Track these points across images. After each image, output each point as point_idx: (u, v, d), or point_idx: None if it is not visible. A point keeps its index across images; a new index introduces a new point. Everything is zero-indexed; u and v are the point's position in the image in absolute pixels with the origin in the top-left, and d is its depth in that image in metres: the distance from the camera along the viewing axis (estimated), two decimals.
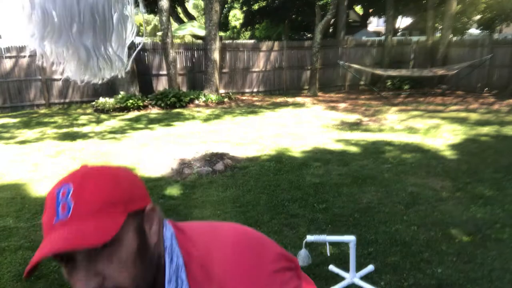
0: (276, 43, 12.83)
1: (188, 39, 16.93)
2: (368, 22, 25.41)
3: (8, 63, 10.06)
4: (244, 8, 22.42)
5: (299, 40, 18.30)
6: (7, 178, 4.78)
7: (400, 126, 7.45)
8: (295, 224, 3.35)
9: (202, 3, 29.93)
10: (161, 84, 11.45)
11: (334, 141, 6.30)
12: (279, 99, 11.78)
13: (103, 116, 9.22)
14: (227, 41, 13.94)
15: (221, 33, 19.20)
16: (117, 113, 9.48)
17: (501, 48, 11.72)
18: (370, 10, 22.34)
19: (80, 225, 0.56)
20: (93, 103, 10.14)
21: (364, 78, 13.49)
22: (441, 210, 3.60)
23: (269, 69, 12.74)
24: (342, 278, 2.51)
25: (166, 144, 6.25)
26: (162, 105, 9.97)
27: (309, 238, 2.37)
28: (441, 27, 14.21)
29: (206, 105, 10.50)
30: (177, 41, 13.39)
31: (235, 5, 24.93)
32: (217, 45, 11.03)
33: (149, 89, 11.14)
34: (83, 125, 8.16)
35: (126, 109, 9.68)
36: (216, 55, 11.08)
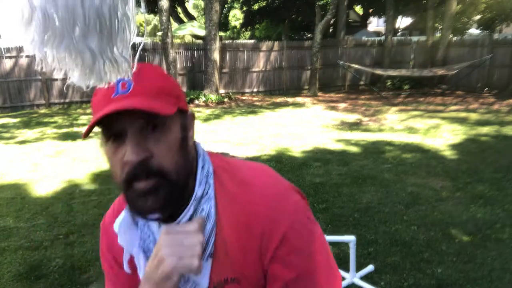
0: (276, 43, 12.83)
1: (188, 39, 16.93)
2: (368, 22, 25.41)
3: (8, 63, 10.06)
4: (244, 8, 22.42)
5: (299, 40, 18.31)
6: (7, 178, 4.78)
7: (400, 126, 7.45)
8: None
9: (202, 3, 29.95)
10: None
11: (334, 141, 6.30)
12: (279, 99, 11.78)
13: None
14: (227, 41, 13.94)
15: (221, 33, 19.22)
16: None
17: (501, 48, 11.71)
18: (370, 10, 22.35)
19: (142, 98, 0.59)
20: None
21: (364, 78, 13.49)
22: (441, 210, 3.60)
23: (269, 69, 12.74)
24: (342, 278, 2.51)
25: None
26: None
27: None
28: (441, 27, 14.21)
29: (206, 105, 10.50)
30: (177, 41, 13.39)
31: (235, 5, 24.93)
32: (217, 45, 11.03)
33: None
34: (83, 125, 8.16)
35: None
36: (216, 55, 11.08)
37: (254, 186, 0.68)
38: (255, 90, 12.72)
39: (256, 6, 21.10)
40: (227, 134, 6.95)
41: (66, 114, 9.67)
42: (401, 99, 11.07)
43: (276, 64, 12.79)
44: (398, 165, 4.93)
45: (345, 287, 2.45)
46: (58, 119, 8.91)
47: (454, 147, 5.80)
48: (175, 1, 16.78)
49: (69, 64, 0.58)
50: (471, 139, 6.27)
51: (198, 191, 0.67)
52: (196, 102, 10.55)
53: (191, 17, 17.86)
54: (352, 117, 8.60)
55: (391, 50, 13.77)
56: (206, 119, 8.58)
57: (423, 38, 14.48)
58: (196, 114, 9.13)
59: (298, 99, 11.69)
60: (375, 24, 30.54)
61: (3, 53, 9.90)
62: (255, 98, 12.00)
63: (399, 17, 21.74)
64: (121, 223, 0.70)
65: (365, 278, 2.50)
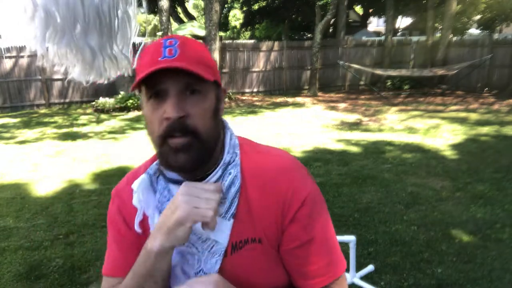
0: (276, 43, 12.83)
1: None
2: (368, 22, 25.40)
3: (8, 63, 10.06)
4: (244, 8, 22.41)
5: (299, 40, 18.30)
6: (7, 178, 4.78)
7: (400, 126, 7.45)
8: None
9: (202, 3, 29.94)
10: None
11: (334, 141, 6.30)
12: (279, 99, 11.78)
13: (103, 116, 9.22)
14: (227, 41, 13.93)
15: (221, 33, 19.21)
16: (117, 113, 9.48)
17: (501, 48, 11.71)
18: (370, 10, 22.34)
19: (187, 63, 0.65)
20: (93, 103, 10.14)
21: (364, 78, 13.49)
22: (441, 210, 3.60)
23: (269, 69, 12.73)
24: None
25: None
26: None
27: None
28: (441, 27, 14.21)
29: None
30: None
31: (235, 5, 24.92)
32: (217, 45, 11.03)
33: None
34: (83, 125, 8.16)
35: (126, 109, 9.68)
36: (216, 55, 11.07)
37: (276, 157, 0.77)
38: (255, 90, 12.72)
39: (256, 6, 21.09)
40: None
41: (66, 114, 9.67)
42: (401, 99, 11.07)
43: (276, 64, 12.79)
44: (398, 165, 4.93)
45: None
46: (58, 119, 8.91)
47: (454, 147, 5.80)
48: (175, 1, 16.78)
49: (70, 60, 0.58)
50: (471, 139, 6.27)
51: (226, 157, 0.74)
52: None
53: (191, 17, 17.86)
54: (352, 117, 8.60)
55: (391, 50, 13.77)
56: None
57: (423, 38, 14.48)
58: None
59: (298, 99, 11.69)
60: (375, 24, 30.53)
61: (3, 53, 9.89)
62: (255, 98, 11.99)
63: (399, 17, 21.74)
64: (140, 183, 0.75)
65: (365, 278, 2.50)
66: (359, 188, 4.16)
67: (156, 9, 12.81)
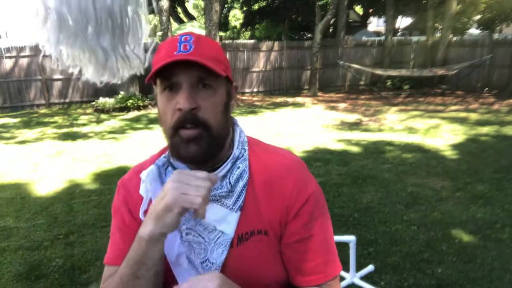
0: (276, 43, 12.83)
1: None
2: (368, 22, 25.40)
3: (8, 63, 10.06)
4: (244, 8, 22.41)
5: (299, 40, 18.30)
6: (7, 178, 4.78)
7: (400, 126, 7.46)
8: None
9: (202, 3, 29.94)
10: None
11: (334, 141, 6.30)
12: (279, 99, 11.78)
13: (103, 116, 9.22)
14: (227, 41, 13.94)
15: (221, 33, 19.22)
16: (117, 113, 9.48)
17: (501, 48, 11.72)
18: (370, 10, 22.34)
19: (200, 58, 0.68)
20: (93, 103, 10.14)
21: (364, 78, 13.49)
22: (441, 210, 3.60)
23: (269, 69, 12.73)
24: (342, 278, 2.50)
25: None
26: None
27: None
28: (441, 27, 14.21)
29: None
30: None
31: (235, 5, 24.92)
32: None
33: (149, 89, 11.12)
34: (83, 125, 8.16)
35: (126, 109, 9.68)
36: None
37: (283, 156, 0.81)
38: (255, 90, 12.72)
39: (256, 6, 21.09)
40: None
41: (66, 114, 9.67)
42: (401, 99, 11.07)
43: (276, 64, 12.79)
44: (398, 165, 4.93)
45: (345, 287, 2.45)
46: (58, 119, 8.91)
47: (454, 147, 5.80)
48: (175, 1, 16.78)
49: (83, 61, 0.59)
50: (471, 139, 6.27)
51: (235, 152, 0.77)
52: None
53: (191, 17, 17.86)
54: (352, 117, 8.60)
55: (391, 50, 13.76)
56: None
57: (423, 38, 14.47)
58: None
59: (298, 99, 11.69)
60: (375, 24, 30.52)
61: (3, 53, 9.90)
62: (255, 98, 11.99)
63: (399, 17, 21.73)
64: (149, 173, 0.78)
65: (365, 278, 2.50)
66: (359, 188, 4.16)
67: (156, 9, 12.81)
